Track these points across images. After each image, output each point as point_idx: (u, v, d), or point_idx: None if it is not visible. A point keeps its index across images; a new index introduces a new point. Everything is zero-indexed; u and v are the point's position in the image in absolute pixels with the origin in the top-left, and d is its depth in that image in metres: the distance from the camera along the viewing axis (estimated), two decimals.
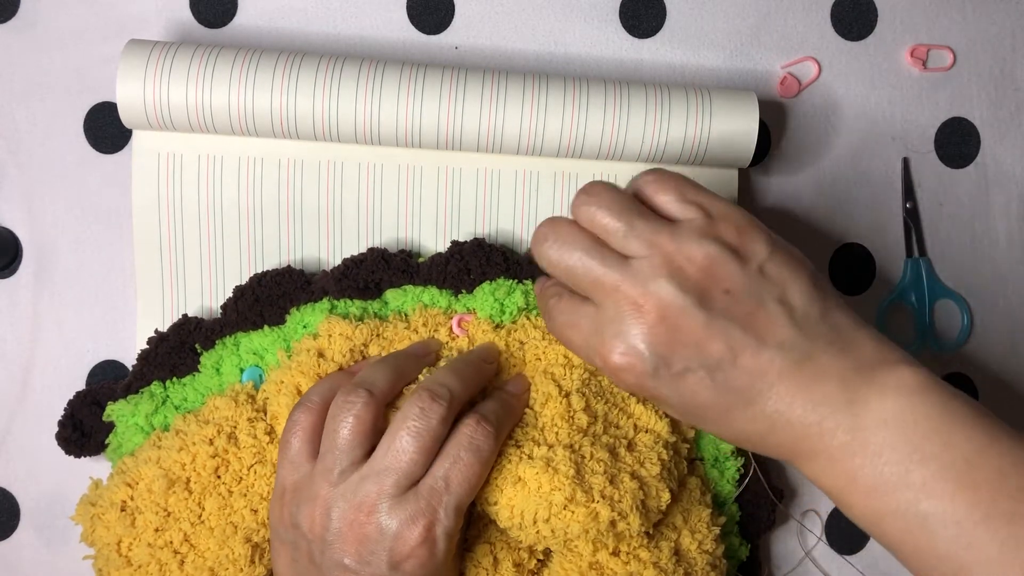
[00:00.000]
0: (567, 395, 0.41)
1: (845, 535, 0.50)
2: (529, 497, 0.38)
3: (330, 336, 0.43)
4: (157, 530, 0.41)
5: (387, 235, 0.46)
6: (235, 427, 0.42)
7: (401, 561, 0.35)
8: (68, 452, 0.43)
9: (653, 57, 0.50)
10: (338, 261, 0.46)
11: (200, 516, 0.41)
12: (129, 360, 0.47)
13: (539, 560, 0.42)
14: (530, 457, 0.39)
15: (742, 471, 0.45)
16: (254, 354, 0.44)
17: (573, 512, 0.37)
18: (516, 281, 0.44)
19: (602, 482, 0.38)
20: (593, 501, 0.38)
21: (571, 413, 0.40)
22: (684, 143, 0.45)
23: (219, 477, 0.42)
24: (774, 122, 0.50)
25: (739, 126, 0.45)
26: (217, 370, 0.44)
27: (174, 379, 0.44)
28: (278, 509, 0.38)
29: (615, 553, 0.41)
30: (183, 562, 0.41)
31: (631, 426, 0.42)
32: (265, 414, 0.43)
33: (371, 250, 0.45)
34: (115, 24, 0.47)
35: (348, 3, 0.48)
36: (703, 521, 0.43)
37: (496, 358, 0.43)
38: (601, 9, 0.50)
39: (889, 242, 0.51)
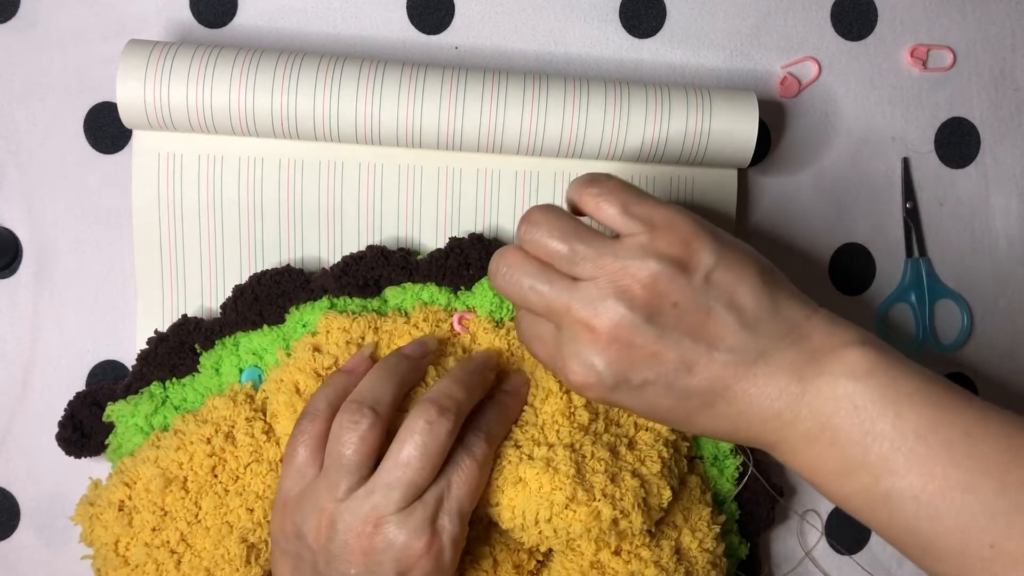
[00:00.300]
0: (567, 391, 0.41)
1: (845, 534, 0.50)
2: (530, 497, 0.38)
3: (328, 332, 0.43)
4: (154, 529, 0.41)
5: (387, 235, 0.46)
6: (233, 426, 0.42)
7: (408, 571, 0.36)
8: (68, 452, 0.43)
9: (653, 57, 0.50)
10: (337, 261, 0.46)
11: (196, 515, 0.41)
12: (129, 360, 0.47)
13: (538, 561, 0.42)
14: (530, 457, 0.39)
15: (741, 469, 0.45)
16: (253, 354, 0.44)
17: (575, 511, 0.37)
18: None
19: (603, 481, 0.38)
20: (594, 500, 0.38)
21: (572, 410, 0.40)
22: (684, 143, 0.45)
23: (216, 476, 0.42)
24: (774, 122, 0.50)
25: (739, 126, 0.45)
26: (217, 370, 0.44)
27: (174, 379, 0.44)
28: (280, 519, 0.38)
29: (616, 552, 0.41)
30: (180, 562, 0.41)
31: (632, 424, 0.42)
32: (264, 414, 0.43)
33: (370, 247, 0.45)
34: (115, 24, 0.47)
35: (348, 3, 0.48)
36: (703, 520, 0.43)
37: (496, 364, 0.43)
38: (601, 9, 0.50)
39: (889, 242, 0.51)
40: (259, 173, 0.45)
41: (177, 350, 0.44)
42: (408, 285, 0.44)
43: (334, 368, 0.42)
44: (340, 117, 0.43)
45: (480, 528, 0.41)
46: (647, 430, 0.42)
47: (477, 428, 0.39)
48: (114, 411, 0.43)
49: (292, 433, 0.39)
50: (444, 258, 0.44)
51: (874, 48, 0.51)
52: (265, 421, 0.42)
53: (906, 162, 0.51)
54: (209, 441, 0.41)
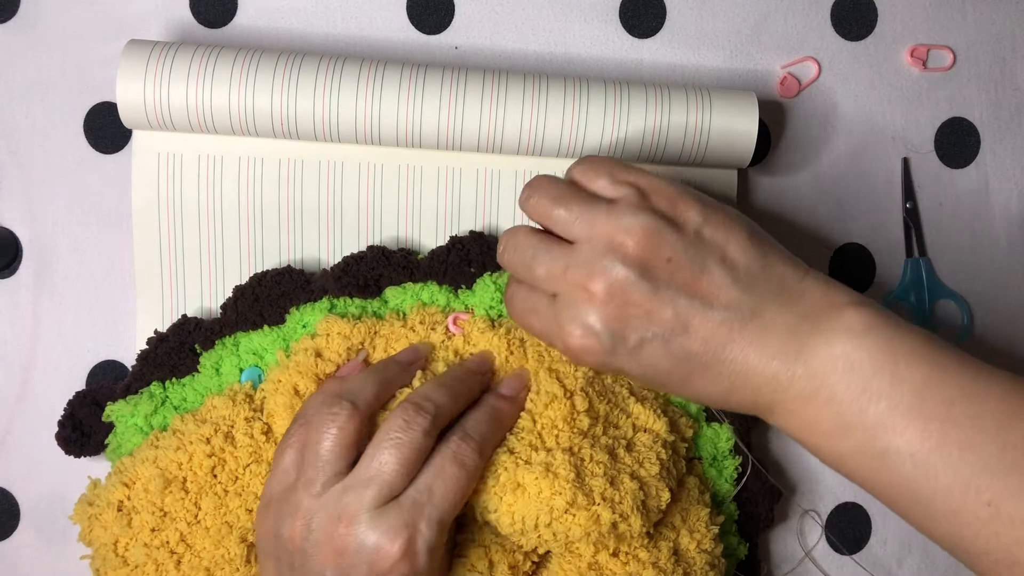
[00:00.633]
0: (571, 395, 0.40)
1: (846, 534, 0.50)
2: (530, 503, 0.37)
3: (328, 335, 0.43)
4: (153, 530, 0.41)
5: (387, 234, 0.46)
6: (232, 426, 0.42)
7: (382, 575, 0.35)
8: (68, 452, 0.43)
9: (653, 57, 0.50)
10: (338, 261, 0.46)
11: (196, 516, 0.41)
12: (129, 360, 0.47)
13: (534, 562, 0.42)
14: (528, 462, 0.38)
15: (740, 469, 0.45)
16: (254, 354, 0.44)
17: (574, 516, 0.37)
18: None
19: (602, 484, 0.38)
20: (594, 504, 0.37)
21: (574, 415, 0.40)
22: (684, 143, 0.45)
23: (215, 476, 0.41)
24: (774, 122, 0.50)
25: (739, 126, 0.45)
26: (217, 370, 0.44)
27: (173, 379, 0.44)
28: (262, 519, 0.38)
29: (615, 554, 0.41)
30: (179, 562, 0.41)
31: (630, 426, 0.41)
32: (263, 413, 0.43)
33: (371, 247, 0.45)
34: (115, 24, 0.47)
35: (348, 3, 0.48)
36: (702, 520, 0.43)
37: (491, 367, 0.42)
38: (601, 9, 0.50)
39: (889, 242, 0.51)
40: (259, 173, 0.45)
41: (177, 350, 0.44)
42: (408, 285, 0.44)
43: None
44: (340, 117, 0.43)
45: (474, 529, 0.41)
46: (645, 431, 0.41)
47: (469, 435, 0.38)
48: (114, 411, 0.43)
49: (283, 436, 0.39)
50: (445, 255, 0.44)
51: (874, 48, 0.51)
52: (264, 421, 0.42)
53: (906, 162, 0.51)
54: (208, 441, 0.41)
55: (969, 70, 0.52)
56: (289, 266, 0.45)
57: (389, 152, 0.46)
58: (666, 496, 0.40)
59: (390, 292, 0.44)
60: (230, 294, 0.45)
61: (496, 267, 0.44)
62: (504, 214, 0.46)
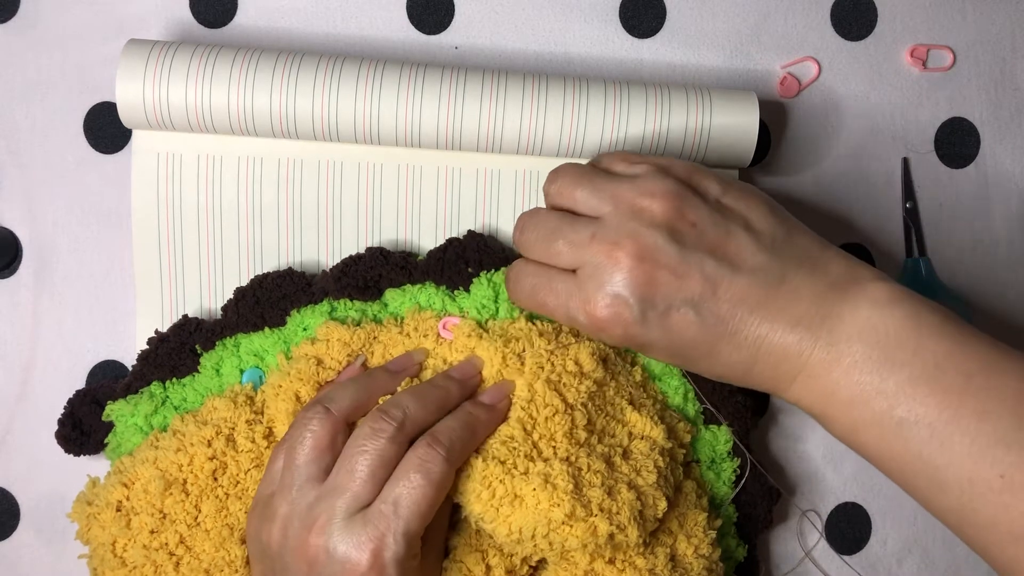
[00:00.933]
0: (571, 409, 0.40)
1: (845, 534, 0.50)
2: (527, 514, 0.37)
3: (328, 342, 0.42)
4: (152, 532, 0.41)
5: (387, 234, 0.46)
6: (233, 429, 0.42)
7: None
8: (68, 450, 0.43)
9: (653, 57, 0.50)
10: (337, 261, 0.46)
11: (196, 518, 0.41)
12: (129, 360, 0.47)
13: (532, 567, 0.42)
14: (526, 473, 0.38)
15: (739, 471, 0.45)
16: (254, 355, 0.44)
17: (572, 527, 0.37)
18: None
19: (600, 495, 0.37)
20: (592, 515, 0.37)
21: (573, 430, 0.39)
22: (684, 143, 0.45)
23: (216, 479, 0.41)
24: (774, 122, 0.50)
25: (739, 126, 0.45)
26: (217, 371, 0.44)
27: (174, 380, 0.44)
28: (250, 524, 0.38)
29: (611, 561, 0.40)
30: (178, 564, 0.41)
31: (626, 434, 0.41)
32: (264, 416, 0.43)
33: (369, 249, 0.45)
34: (115, 24, 0.47)
35: (348, 3, 0.48)
36: (699, 525, 0.42)
37: (477, 374, 0.41)
38: (601, 9, 0.50)
39: (889, 242, 0.51)
40: (258, 173, 0.45)
41: (178, 350, 0.44)
42: (407, 287, 0.44)
43: None
44: (339, 117, 0.43)
45: (472, 534, 0.41)
46: (642, 439, 0.41)
47: (437, 440, 0.36)
48: (114, 410, 0.43)
49: (278, 443, 0.39)
50: (441, 254, 0.44)
51: (874, 48, 0.51)
52: (265, 425, 0.42)
53: (906, 162, 0.51)
54: (210, 444, 0.41)
55: (969, 70, 0.51)
56: (290, 268, 0.45)
57: (389, 152, 0.46)
58: (663, 505, 0.39)
59: (390, 295, 0.44)
60: (230, 294, 0.45)
61: (493, 266, 0.44)
62: (504, 214, 0.46)
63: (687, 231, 0.36)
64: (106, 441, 0.43)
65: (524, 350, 0.41)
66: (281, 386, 0.42)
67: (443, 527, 0.41)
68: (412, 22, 0.49)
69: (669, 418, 0.43)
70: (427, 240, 0.46)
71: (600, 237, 0.36)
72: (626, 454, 0.40)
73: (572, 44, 0.49)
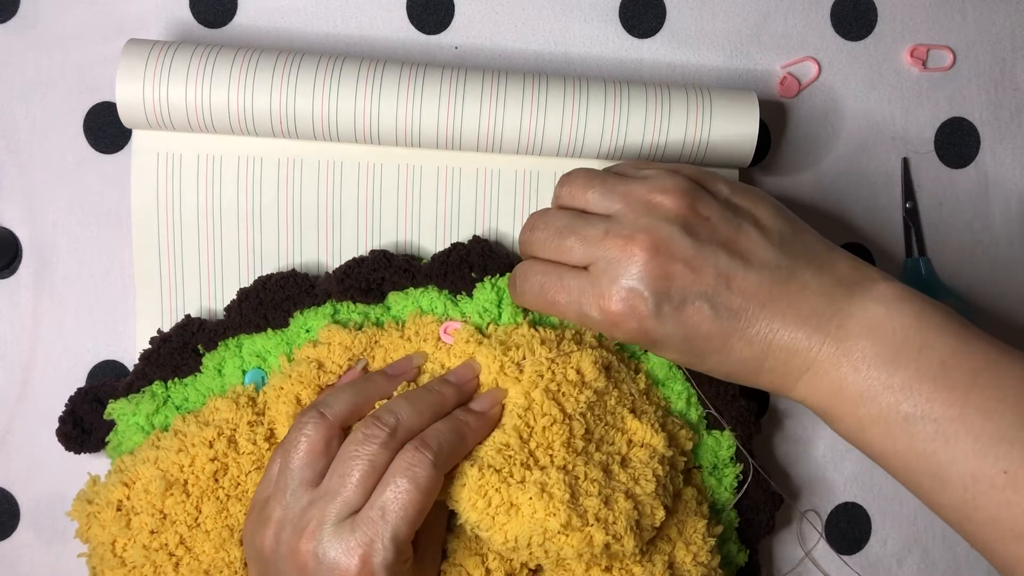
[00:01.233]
0: (569, 419, 0.39)
1: (845, 535, 0.50)
2: (523, 523, 0.37)
3: (329, 345, 0.42)
4: (152, 532, 0.41)
5: (387, 234, 0.46)
6: (235, 430, 0.42)
7: None
8: (68, 448, 0.43)
9: (653, 57, 0.50)
10: (338, 261, 0.46)
11: (197, 519, 0.41)
12: (129, 360, 0.47)
13: (531, 570, 0.42)
14: (522, 482, 0.37)
15: (741, 477, 0.45)
16: (257, 356, 0.44)
17: (568, 536, 0.37)
18: None
19: (597, 504, 0.37)
20: (587, 525, 0.37)
21: (570, 439, 0.39)
22: (684, 143, 0.45)
23: (217, 481, 0.41)
24: (774, 122, 0.50)
25: (739, 126, 0.45)
26: (219, 371, 0.44)
27: (176, 379, 0.44)
28: (246, 527, 0.38)
29: (607, 569, 0.40)
30: (178, 564, 0.41)
31: (625, 442, 0.41)
32: (265, 417, 0.42)
33: (373, 251, 0.44)
34: (115, 24, 0.47)
35: (348, 3, 0.48)
36: (698, 532, 0.42)
37: (474, 378, 0.41)
38: (601, 9, 0.50)
39: (889, 242, 0.51)
40: (258, 173, 0.45)
41: (180, 350, 0.44)
42: (410, 290, 0.44)
43: None
44: (339, 116, 0.43)
45: (470, 537, 0.41)
46: (642, 447, 0.41)
47: (426, 444, 0.36)
48: (115, 409, 0.43)
49: (276, 446, 0.39)
50: (445, 257, 0.44)
51: (874, 48, 0.51)
52: (267, 427, 0.42)
53: (906, 162, 0.51)
54: (211, 445, 0.41)
55: (969, 70, 0.51)
56: (294, 270, 0.44)
57: (389, 152, 0.46)
58: (661, 514, 0.39)
59: (392, 298, 0.44)
60: (230, 294, 0.45)
61: (498, 272, 0.44)
62: (504, 213, 0.46)
63: (700, 224, 0.37)
64: (107, 440, 0.43)
65: (524, 358, 0.41)
66: (282, 388, 0.42)
67: (440, 531, 0.41)
68: (412, 22, 0.49)
69: (671, 425, 0.43)
70: (427, 240, 0.46)
71: (614, 232, 0.36)
72: (624, 462, 0.40)
73: (572, 44, 0.49)
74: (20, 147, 0.47)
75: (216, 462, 0.41)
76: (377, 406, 0.39)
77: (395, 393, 0.40)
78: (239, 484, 0.42)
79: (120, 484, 0.41)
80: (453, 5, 0.49)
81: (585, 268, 0.37)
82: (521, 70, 0.46)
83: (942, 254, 0.51)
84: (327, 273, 0.45)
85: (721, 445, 0.44)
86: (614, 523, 0.37)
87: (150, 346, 0.44)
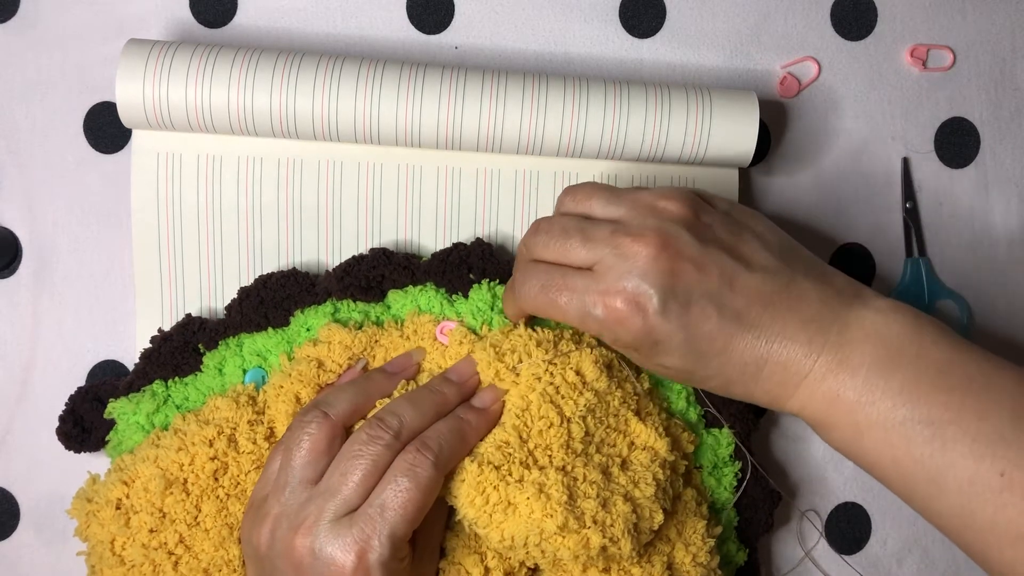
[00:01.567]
0: (568, 422, 0.39)
1: (845, 534, 0.50)
2: (520, 522, 0.37)
3: (330, 344, 0.42)
4: (152, 531, 0.41)
5: (387, 234, 0.46)
6: (235, 429, 0.42)
7: None
8: (68, 447, 0.43)
9: (653, 57, 0.50)
10: (338, 261, 0.46)
11: (196, 518, 0.41)
12: (129, 360, 0.47)
13: (530, 569, 0.42)
14: (520, 481, 0.37)
15: (740, 475, 0.45)
16: (257, 355, 0.44)
17: (564, 538, 0.37)
18: None
19: (594, 507, 0.37)
20: (584, 527, 0.37)
21: (569, 441, 0.39)
22: (684, 143, 0.45)
23: (217, 480, 0.41)
24: (774, 122, 0.50)
25: (739, 126, 0.45)
26: (220, 370, 0.44)
27: (176, 378, 0.44)
28: (243, 525, 0.38)
29: (605, 570, 0.40)
30: (177, 563, 0.41)
31: (626, 444, 0.40)
32: (265, 416, 0.42)
33: (372, 249, 0.44)
34: (115, 24, 0.47)
35: (348, 3, 0.48)
36: (698, 533, 0.42)
37: (473, 375, 0.41)
38: (601, 9, 0.50)
39: (889, 242, 0.51)
40: (258, 173, 0.45)
41: (181, 349, 0.44)
42: (410, 288, 0.44)
43: None
44: (339, 116, 0.43)
45: (470, 536, 0.41)
46: (644, 450, 0.40)
47: (427, 446, 0.37)
48: (116, 408, 0.43)
49: (275, 445, 0.39)
50: (446, 256, 0.44)
51: (874, 48, 0.51)
52: (267, 426, 0.42)
53: (906, 162, 0.51)
54: (211, 444, 0.41)
55: (969, 70, 0.51)
56: (294, 269, 0.44)
57: (389, 151, 0.46)
58: (659, 518, 0.39)
59: (392, 296, 0.44)
60: (230, 294, 0.45)
61: (497, 276, 0.44)
62: (504, 213, 0.46)
63: (705, 229, 0.37)
64: (107, 439, 0.43)
65: (519, 362, 0.40)
66: (282, 387, 0.42)
67: (439, 530, 0.41)
68: (412, 22, 0.49)
69: (674, 427, 0.43)
70: (427, 240, 0.46)
71: (621, 232, 0.37)
72: (624, 465, 0.40)
73: (572, 44, 0.49)
74: (20, 147, 0.47)
75: (216, 461, 0.41)
76: (378, 405, 0.39)
77: (395, 391, 0.40)
78: (239, 483, 0.42)
79: (119, 483, 0.41)
80: (453, 5, 0.49)
81: (589, 270, 0.38)
82: (521, 70, 0.46)
83: (942, 254, 0.51)
84: (327, 271, 0.45)
85: (720, 443, 0.44)
86: (611, 526, 0.37)
87: (151, 345, 0.44)
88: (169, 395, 0.43)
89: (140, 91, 0.42)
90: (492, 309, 0.43)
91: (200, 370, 0.44)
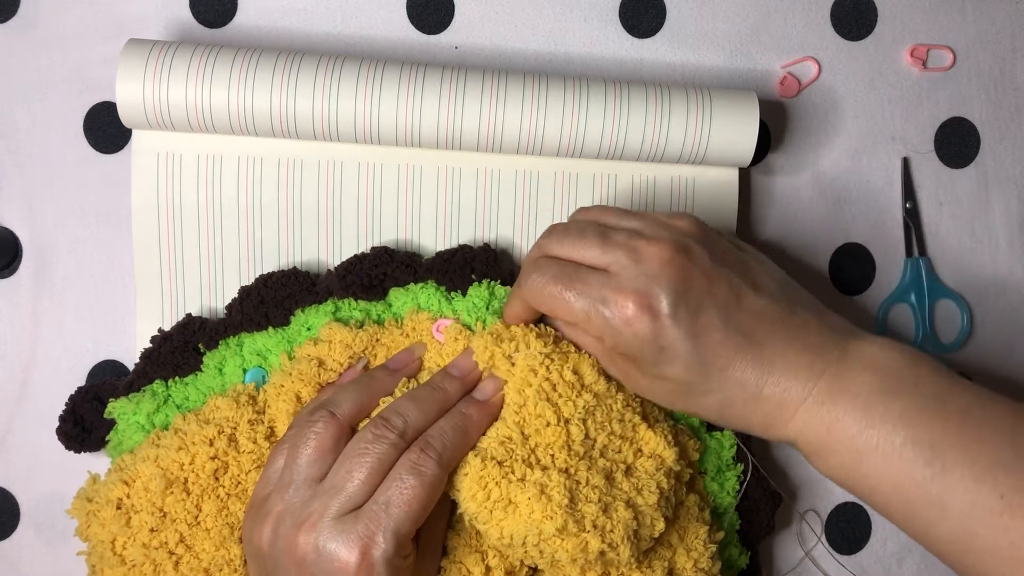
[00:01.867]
0: (566, 423, 0.39)
1: (845, 534, 0.50)
2: (520, 521, 0.37)
3: (330, 343, 0.42)
4: (152, 530, 0.41)
5: (387, 233, 0.46)
6: (235, 428, 0.42)
7: None
8: (68, 447, 0.43)
9: (653, 57, 0.50)
10: (338, 260, 0.46)
11: (197, 518, 0.41)
12: (129, 360, 0.47)
13: (531, 568, 0.42)
14: (523, 480, 0.37)
15: (741, 477, 0.45)
16: (257, 355, 0.44)
17: (562, 541, 0.37)
18: None
19: (595, 511, 0.37)
20: (584, 531, 0.37)
21: (569, 443, 0.39)
22: (684, 143, 0.45)
23: (217, 479, 0.41)
24: (774, 122, 0.50)
25: (739, 126, 0.45)
26: (220, 370, 0.44)
27: (176, 378, 0.44)
28: (245, 523, 0.38)
29: (605, 574, 0.40)
30: (178, 563, 0.41)
31: (632, 451, 0.40)
32: (265, 416, 0.42)
33: (374, 248, 0.44)
34: (115, 24, 0.47)
35: (348, 3, 0.48)
36: (700, 538, 0.42)
37: (476, 366, 0.41)
38: (601, 9, 0.50)
39: (889, 242, 0.51)
40: (258, 173, 0.45)
41: (181, 349, 0.44)
42: (411, 286, 0.44)
43: None
44: (339, 116, 0.43)
45: (472, 534, 0.41)
46: (650, 457, 0.40)
47: (430, 445, 0.37)
48: (116, 407, 0.43)
49: (277, 443, 0.39)
50: (450, 255, 0.44)
51: (874, 48, 0.51)
52: (267, 425, 0.42)
53: (906, 162, 0.51)
54: (212, 443, 0.41)
55: (969, 70, 0.51)
56: (295, 268, 0.44)
57: (389, 151, 0.46)
58: (660, 526, 0.39)
59: (394, 294, 0.44)
60: (230, 294, 0.45)
61: (498, 279, 0.44)
62: (504, 213, 0.46)
63: (714, 249, 0.38)
64: (107, 439, 0.43)
65: (516, 351, 0.40)
66: (283, 386, 0.42)
67: (441, 528, 0.41)
68: (412, 22, 0.49)
69: (680, 435, 0.43)
70: (427, 240, 0.46)
71: (636, 236, 0.38)
72: (629, 471, 0.39)
73: (572, 44, 0.49)
74: (20, 147, 0.47)
75: (216, 460, 0.41)
76: (382, 403, 0.40)
77: (398, 388, 0.40)
78: (239, 482, 0.42)
79: (120, 482, 0.41)
80: (453, 5, 0.49)
81: (602, 271, 0.38)
82: (521, 70, 0.46)
83: (942, 254, 0.51)
84: (329, 270, 0.45)
85: (723, 446, 0.44)
86: (611, 531, 0.37)
87: (151, 345, 0.44)
88: (169, 395, 0.43)
89: (140, 91, 0.42)
90: (487, 309, 0.43)
91: (200, 370, 0.44)
